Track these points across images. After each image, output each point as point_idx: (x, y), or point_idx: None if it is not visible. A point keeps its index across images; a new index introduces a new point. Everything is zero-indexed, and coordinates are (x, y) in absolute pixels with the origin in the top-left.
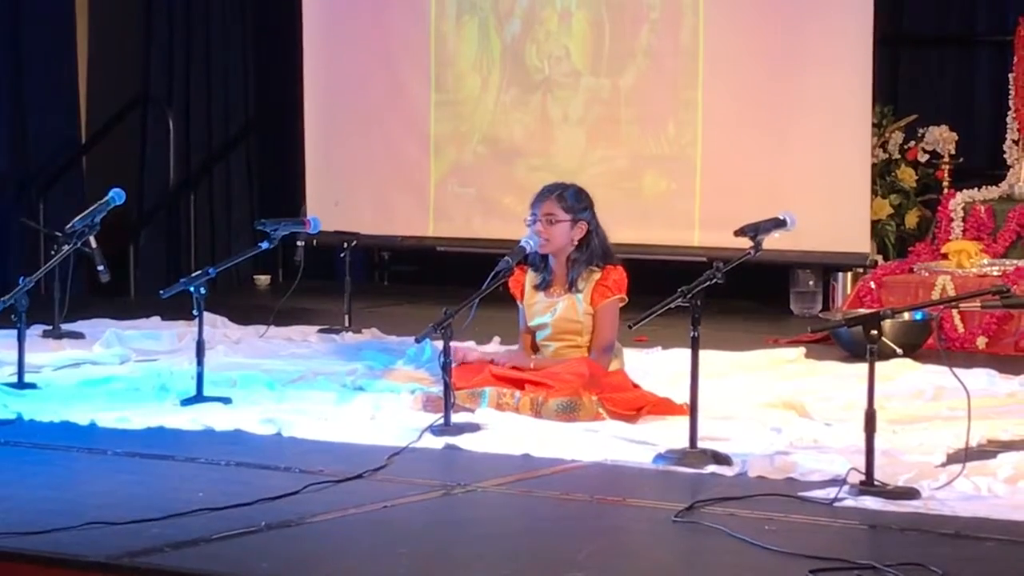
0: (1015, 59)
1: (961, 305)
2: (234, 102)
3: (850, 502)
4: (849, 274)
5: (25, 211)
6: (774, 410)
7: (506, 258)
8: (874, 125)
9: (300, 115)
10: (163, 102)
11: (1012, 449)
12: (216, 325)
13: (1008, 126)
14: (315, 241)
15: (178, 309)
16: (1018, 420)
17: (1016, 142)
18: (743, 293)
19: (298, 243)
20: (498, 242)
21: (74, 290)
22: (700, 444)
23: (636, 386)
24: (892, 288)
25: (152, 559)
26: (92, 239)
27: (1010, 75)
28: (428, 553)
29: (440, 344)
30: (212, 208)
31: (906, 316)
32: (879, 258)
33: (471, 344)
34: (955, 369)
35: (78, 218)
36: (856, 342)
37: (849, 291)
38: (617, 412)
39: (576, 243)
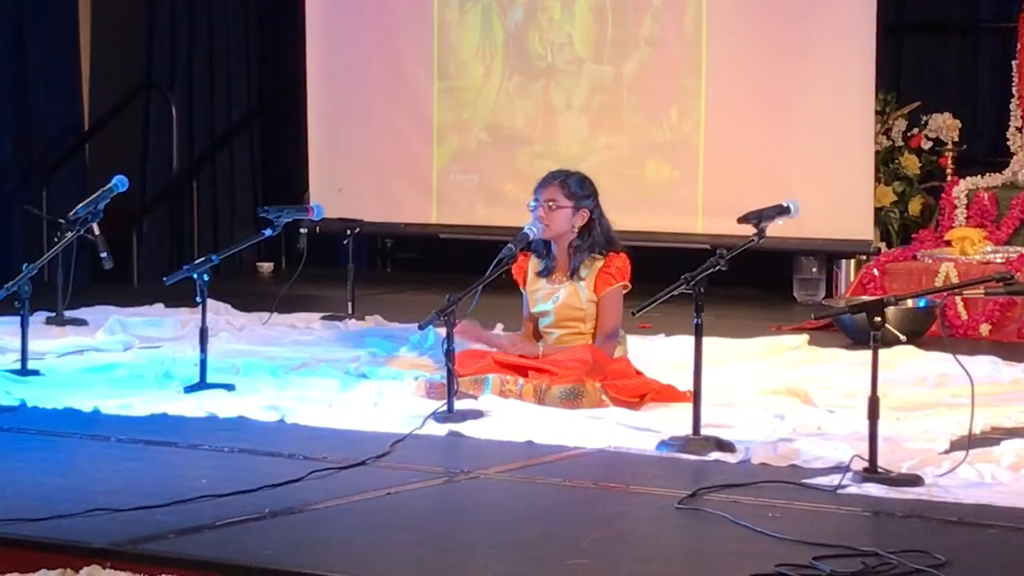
0: (1018, 46)
1: (965, 292)
2: (237, 89)
3: (853, 489)
4: (852, 261)
5: (28, 198)
6: (777, 397)
7: (509, 245)
8: (877, 112)
9: (303, 102)
10: (166, 89)
11: (1015, 436)
12: (219, 312)
13: (1012, 113)
14: (318, 228)
15: (181, 296)
16: (1021, 407)
17: (1020, 129)
18: (746, 280)
19: (301, 230)
20: (501, 229)
21: (77, 277)
22: (703, 431)
23: (639, 373)
24: (895, 275)
25: (156, 545)
26: (95, 226)
27: (1013, 62)
28: (431, 539)
29: (443, 331)
30: (215, 195)
31: (909, 303)
32: (882, 245)
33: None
34: (958, 356)
35: (81, 205)
36: (859, 329)
37: (852, 278)
38: (620, 399)
39: (578, 230)
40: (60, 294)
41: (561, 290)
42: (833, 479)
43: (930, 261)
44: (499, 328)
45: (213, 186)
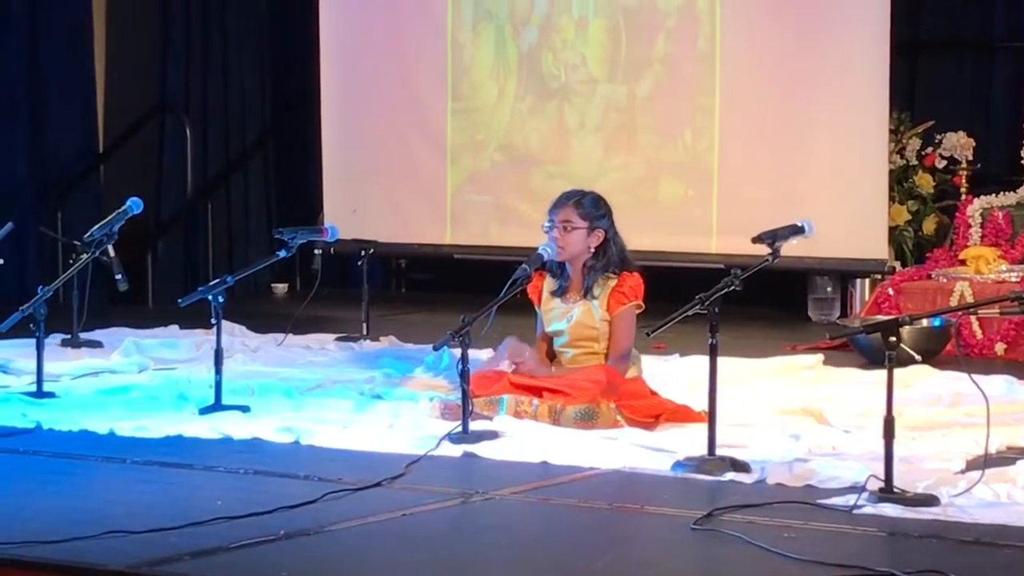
0: None
1: (980, 311)
2: (251, 110)
3: (869, 509)
4: (867, 280)
5: (43, 220)
6: (792, 417)
7: (523, 265)
8: (891, 131)
9: (317, 123)
10: (180, 111)
11: None
12: (234, 333)
13: None
14: (332, 249)
15: (196, 318)
16: None
17: None
18: (761, 300)
19: (315, 251)
20: (515, 249)
21: (92, 299)
22: (718, 451)
23: (654, 393)
24: (910, 294)
25: (171, 568)
26: (110, 248)
27: None
28: (446, 561)
29: (458, 352)
30: (230, 217)
31: (924, 322)
32: (897, 264)
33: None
34: (974, 375)
35: (96, 227)
36: (874, 348)
37: (867, 297)
38: (635, 419)
39: (593, 250)
40: (75, 316)
41: (575, 309)
42: (849, 499)
43: (945, 280)
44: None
45: (228, 208)
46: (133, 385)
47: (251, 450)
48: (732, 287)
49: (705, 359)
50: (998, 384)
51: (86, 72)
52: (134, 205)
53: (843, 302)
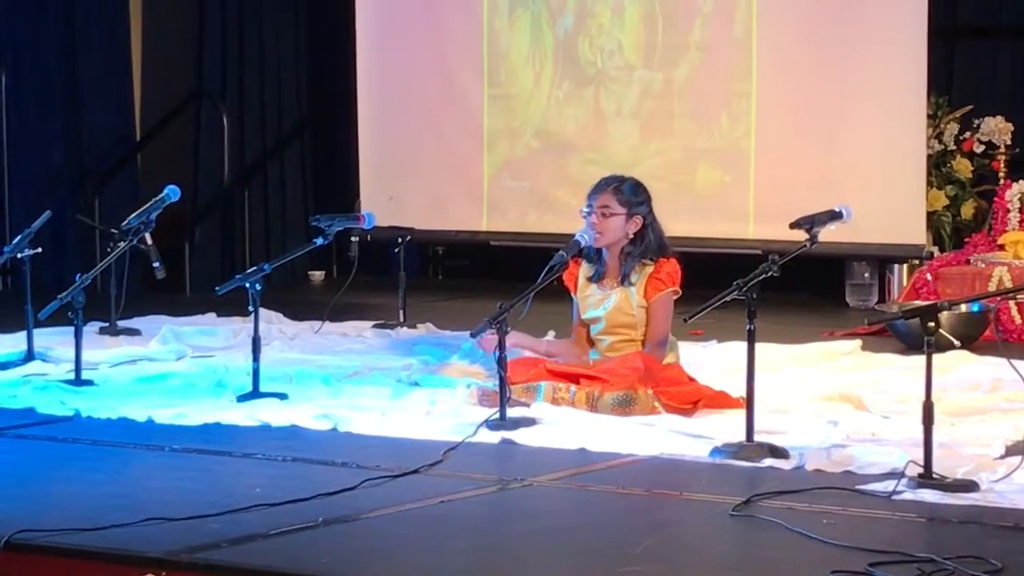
0: None
1: (1018, 296)
2: (288, 98)
3: (908, 495)
4: (905, 266)
5: (81, 208)
6: (831, 403)
7: (560, 252)
8: (929, 116)
9: (354, 110)
10: (217, 98)
11: None
12: (271, 321)
13: None
14: (369, 236)
15: (234, 305)
16: None
17: None
18: (799, 286)
19: (352, 238)
20: (552, 236)
21: (130, 287)
22: (757, 437)
23: (692, 379)
24: (948, 280)
25: (210, 555)
26: (147, 236)
27: None
28: (484, 548)
29: (495, 338)
30: (267, 204)
31: (963, 308)
32: (935, 250)
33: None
34: (1013, 361)
35: (133, 215)
36: (913, 334)
37: (905, 283)
38: (673, 406)
39: (630, 237)
40: (113, 304)
41: (612, 296)
42: (888, 485)
43: (983, 265)
44: (551, 335)
45: (264, 195)
46: (171, 373)
47: (289, 437)
48: (770, 273)
49: (743, 345)
50: None
51: (123, 60)
52: (171, 193)
53: (881, 288)
